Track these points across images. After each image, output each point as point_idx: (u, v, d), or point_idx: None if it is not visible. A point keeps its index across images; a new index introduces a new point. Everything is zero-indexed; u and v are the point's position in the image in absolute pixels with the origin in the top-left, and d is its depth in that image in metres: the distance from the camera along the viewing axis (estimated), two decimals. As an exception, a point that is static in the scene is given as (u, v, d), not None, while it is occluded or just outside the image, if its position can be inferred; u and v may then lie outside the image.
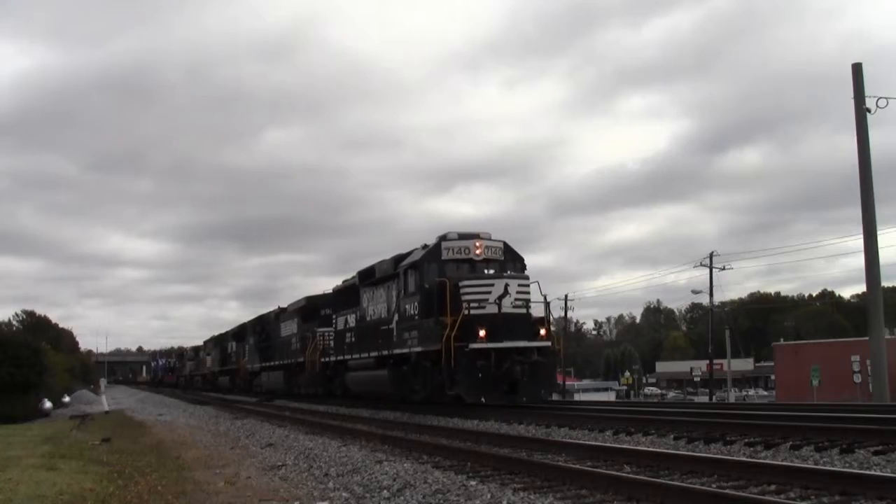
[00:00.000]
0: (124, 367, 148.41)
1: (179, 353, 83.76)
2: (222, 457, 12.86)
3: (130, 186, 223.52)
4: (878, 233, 24.32)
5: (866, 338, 26.95)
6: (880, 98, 24.46)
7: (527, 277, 19.22)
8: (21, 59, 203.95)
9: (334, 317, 27.78)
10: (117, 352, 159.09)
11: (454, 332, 17.41)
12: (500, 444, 12.29)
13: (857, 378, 46.88)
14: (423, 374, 19.60)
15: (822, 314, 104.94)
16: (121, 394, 61.64)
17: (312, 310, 32.00)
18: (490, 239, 20.12)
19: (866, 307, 26.68)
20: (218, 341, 56.51)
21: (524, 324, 18.42)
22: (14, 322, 57.12)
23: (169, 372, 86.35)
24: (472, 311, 17.85)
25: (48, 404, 31.69)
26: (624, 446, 10.91)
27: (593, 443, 11.74)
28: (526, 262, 20.82)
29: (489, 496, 7.63)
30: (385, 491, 8.31)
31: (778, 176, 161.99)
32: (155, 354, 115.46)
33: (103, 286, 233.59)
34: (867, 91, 24.59)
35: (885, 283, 32.52)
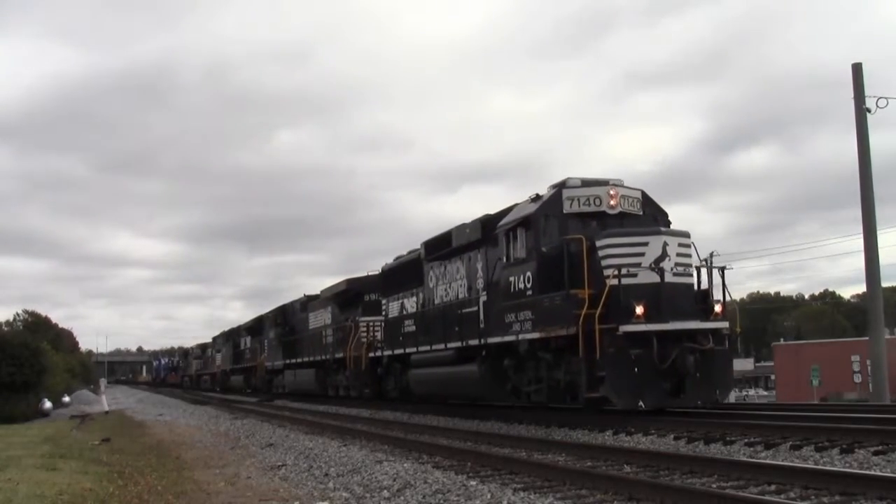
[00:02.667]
0: (124, 367, 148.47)
1: (184, 352, 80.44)
2: (222, 457, 12.87)
3: (140, 187, 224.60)
4: (878, 233, 24.32)
5: (866, 338, 26.95)
6: (880, 98, 24.45)
7: (687, 234, 14.35)
8: (36, 61, 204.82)
9: (385, 302, 23.01)
10: (117, 352, 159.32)
11: (600, 311, 12.87)
12: (500, 444, 12.30)
13: (858, 378, 46.91)
14: (537, 369, 14.97)
15: (823, 314, 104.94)
16: (121, 394, 61.63)
17: (354, 295, 26.95)
18: (625, 186, 15.23)
19: (866, 307, 26.67)
20: (229, 337, 51.74)
21: (690, 298, 13.96)
22: (17, 322, 57.12)
23: (172, 371, 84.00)
24: (624, 281, 13.16)
25: (48, 404, 31.67)
26: (624, 446, 10.92)
27: (593, 443, 11.75)
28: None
29: (489, 496, 7.64)
30: (385, 491, 8.31)
31: (783, 177, 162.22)
32: (156, 354, 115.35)
33: (108, 286, 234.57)
34: (875, 92, 24.59)
35: (885, 283, 32.50)
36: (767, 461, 8.90)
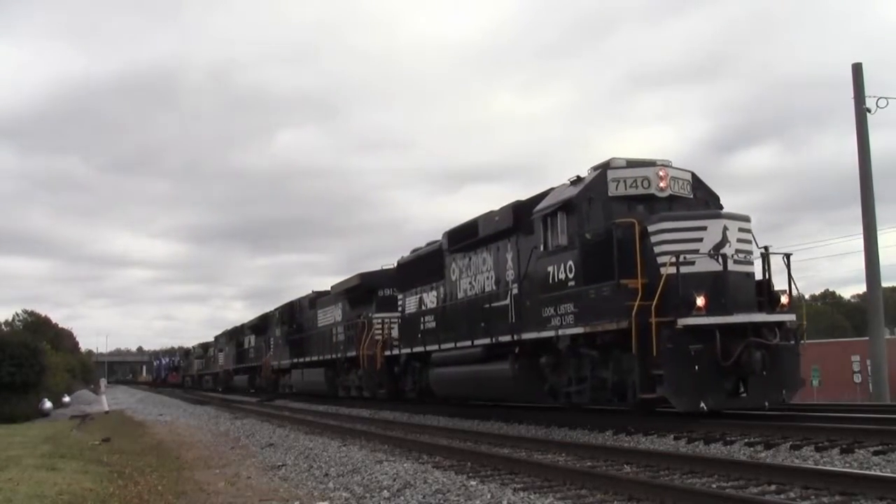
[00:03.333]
0: (124, 367, 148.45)
1: (185, 352, 79.22)
2: (222, 457, 12.86)
3: (143, 188, 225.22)
4: (878, 233, 24.31)
5: (866, 338, 26.94)
6: (880, 98, 24.44)
7: (748, 218, 13.12)
8: (39, 62, 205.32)
9: (401, 297, 21.93)
10: (117, 352, 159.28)
11: (656, 302, 11.72)
12: (500, 444, 12.30)
13: (858, 378, 46.90)
14: (579, 368, 13.78)
15: (823, 314, 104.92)
16: (121, 394, 61.63)
17: (367, 291, 25.70)
18: (675, 167, 14.03)
19: (866, 307, 26.67)
20: (232, 336, 50.29)
21: (751, 288, 12.85)
22: (17, 322, 57.12)
23: (173, 371, 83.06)
24: (681, 269, 11.97)
25: (48, 404, 31.65)
26: (624, 446, 10.92)
27: (593, 443, 11.75)
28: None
29: (489, 496, 7.64)
30: (385, 491, 8.31)
31: (784, 177, 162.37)
32: (157, 354, 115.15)
33: (109, 286, 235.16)
34: (878, 93, 24.59)
35: (885, 283, 32.49)
36: (767, 461, 8.91)
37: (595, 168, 14.06)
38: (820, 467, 8.17)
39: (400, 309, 21.94)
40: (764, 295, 12.90)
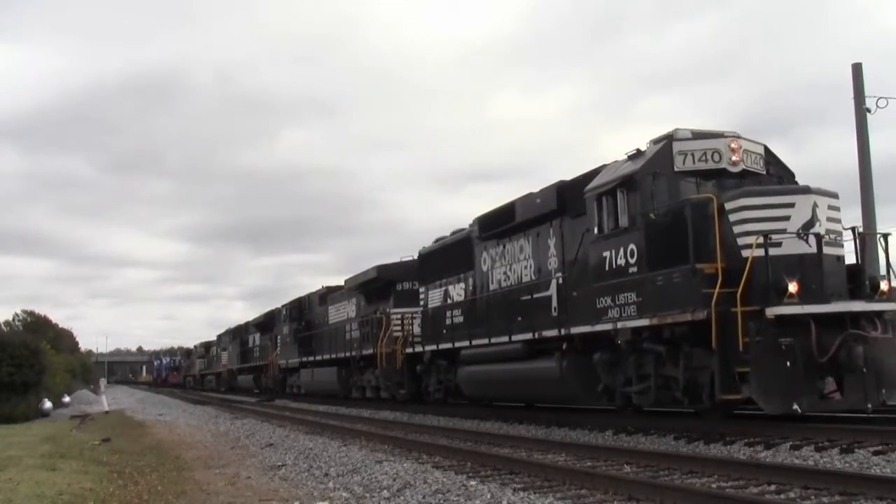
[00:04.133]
0: (124, 367, 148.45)
1: (186, 351, 77.98)
2: (222, 457, 12.86)
3: (146, 188, 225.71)
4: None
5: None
6: (880, 98, 24.45)
7: (836, 195, 11.71)
8: (43, 62, 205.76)
9: (423, 290, 20.51)
10: (117, 352, 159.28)
11: (741, 289, 10.27)
12: (500, 444, 12.30)
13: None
14: (641, 365, 12.32)
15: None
16: (121, 394, 61.63)
17: (384, 284, 24.17)
18: (746, 139, 12.54)
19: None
20: (236, 334, 48.80)
21: (842, 273, 11.34)
22: (16, 322, 57.11)
23: (174, 371, 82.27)
24: (771, 252, 10.47)
25: (48, 404, 31.66)
26: (624, 446, 10.93)
27: (593, 443, 11.75)
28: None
29: (489, 496, 7.63)
30: (385, 491, 8.31)
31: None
32: (157, 353, 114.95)
33: (111, 286, 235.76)
34: (881, 93, 24.58)
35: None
36: (767, 461, 8.91)
37: (656, 141, 12.54)
38: (820, 467, 8.17)
39: (422, 303, 20.56)
40: (856, 281, 11.34)
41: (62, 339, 62.64)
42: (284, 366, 35.29)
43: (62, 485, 9.12)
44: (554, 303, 14.42)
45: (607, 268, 12.67)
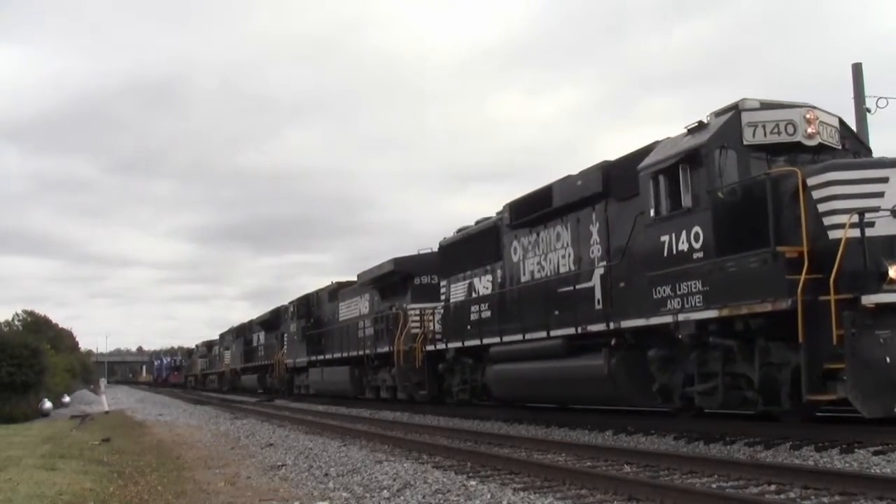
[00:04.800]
0: (124, 367, 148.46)
1: (188, 351, 77.08)
2: (222, 457, 12.86)
3: (149, 188, 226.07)
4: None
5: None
6: (880, 98, 24.45)
7: None
8: (46, 63, 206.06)
9: (444, 284, 19.48)
10: (117, 352, 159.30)
11: (834, 275, 9.15)
12: (500, 444, 12.30)
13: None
14: (705, 362, 11.10)
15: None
16: (121, 394, 61.63)
17: (401, 279, 22.92)
18: (821, 110, 11.45)
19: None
20: (239, 333, 47.74)
21: None
22: (16, 322, 57.11)
23: (175, 371, 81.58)
24: (867, 232, 9.32)
25: (48, 404, 31.66)
26: (624, 446, 10.93)
27: (593, 443, 11.76)
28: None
29: (489, 496, 7.63)
30: (385, 491, 8.31)
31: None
32: (158, 353, 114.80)
33: (112, 287, 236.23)
34: (881, 93, 24.58)
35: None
36: (767, 461, 8.91)
37: (719, 113, 11.40)
38: (820, 467, 8.17)
39: (443, 297, 19.47)
40: None
41: (62, 339, 62.64)
42: (292, 365, 34.26)
43: (62, 485, 9.11)
44: (597, 294, 13.32)
45: (666, 254, 11.45)
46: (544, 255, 15.23)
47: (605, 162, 13.55)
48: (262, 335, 41.87)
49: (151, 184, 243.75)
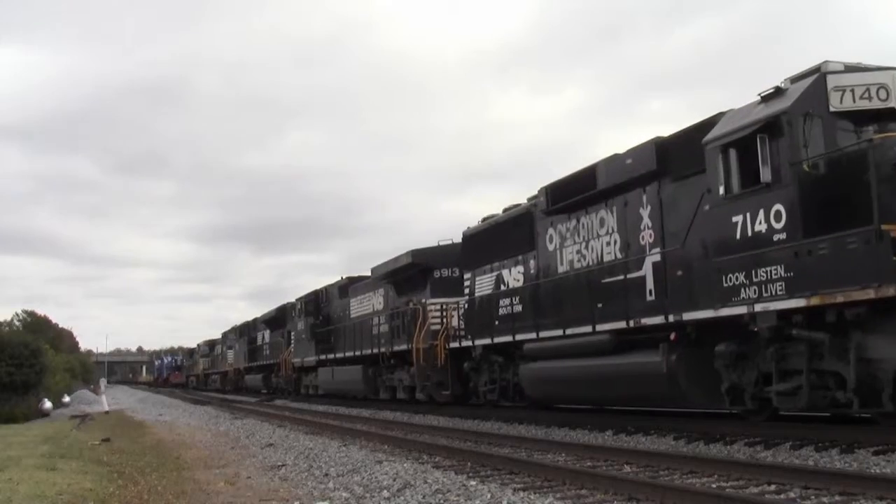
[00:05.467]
0: (124, 367, 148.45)
1: (189, 351, 75.93)
2: (222, 457, 12.86)
3: (151, 189, 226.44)
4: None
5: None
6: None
7: None
8: (49, 63, 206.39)
9: (468, 277, 18.32)
10: (117, 352, 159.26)
11: None
12: (500, 444, 12.30)
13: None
14: (786, 357, 9.99)
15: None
16: (121, 394, 61.64)
17: (419, 272, 21.52)
18: None
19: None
20: (243, 331, 46.78)
21: None
22: (16, 322, 57.15)
23: (176, 371, 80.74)
24: None
25: (48, 404, 31.70)
26: (624, 446, 10.93)
27: (593, 443, 11.75)
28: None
29: (489, 496, 7.63)
30: (385, 491, 8.31)
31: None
32: (158, 353, 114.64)
33: (113, 287, 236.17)
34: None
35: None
36: (767, 461, 8.91)
37: (797, 78, 10.28)
38: (820, 467, 8.17)
39: (467, 291, 18.29)
40: None
41: (62, 339, 62.71)
42: (299, 364, 32.82)
43: (62, 485, 9.11)
44: (649, 284, 12.21)
45: (739, 236, 10.26)
46: (585, 243, 14.06)
47: (658, 138, 12.33)
48: (266, 333, 40.96)
49: (153, 184, 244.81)
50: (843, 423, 10.71)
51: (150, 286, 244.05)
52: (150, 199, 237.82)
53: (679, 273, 11.65)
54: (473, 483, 8.41)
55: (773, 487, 7.46)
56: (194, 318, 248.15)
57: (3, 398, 28.46)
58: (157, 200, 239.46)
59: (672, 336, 11.59)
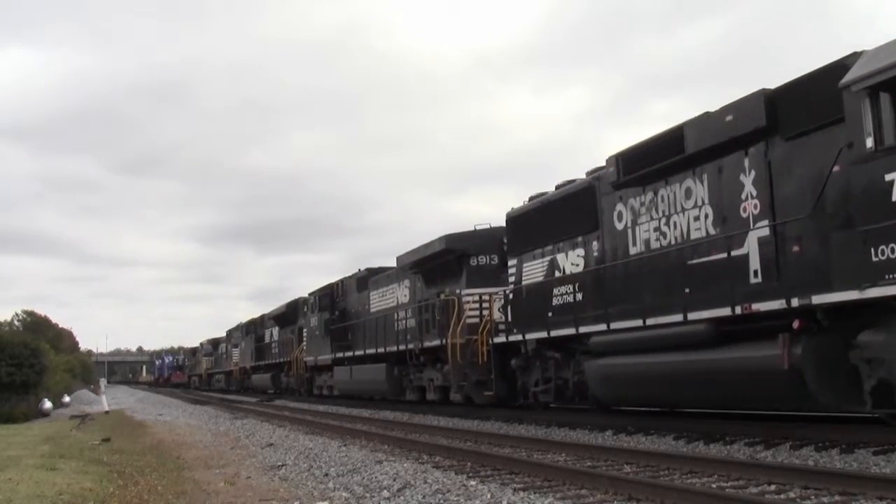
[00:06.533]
0: (124, 367, 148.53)
1: (191, 350, 74.21)
2: (222, 456, 12.86)
3: (154, 189, 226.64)
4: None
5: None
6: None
7: None
8: (53, 63, 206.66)
9: (513, 263, 16.37)
10: (117, 352, 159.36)
11: None
12: (500, 444, 12.30)
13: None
14: None
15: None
16: (121, 394, 61.66)
17: (454, 260, 19.33)
18: None
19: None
20: (249, 328, 44.69)
21: None
22: (16, 322, 57.19)
23: (177, 370, 79.60)
24: None
25: (48, 404, 31.72)
26: (624, 446, 10.92)
27: (593, 443, 11.75)
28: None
29: (489, 496, 7.63)
30: (385, 491, 8.31)
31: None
32: (159, 353, 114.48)
33: (115, 287, 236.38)
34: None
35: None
36: (767, 461, 8.91)
37: None
38: (820, 467, 8.17)
39: (512, 279, 16.41)
40: None
41: (62, 339, 62.71)
42: (313, 363, 30.72)
43: (62, 485, 9.11)
44: (754, 264, 10.44)
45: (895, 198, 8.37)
46: (666, 219, 12.15)
47: (765, 90, 10.45)
48: (275, 331, 38.99)
49: (157, 184, 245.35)
50: (844, 423, 10.72)
51: (152, 286, 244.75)
52: (154, 199, 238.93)
53: (795, 249, 9.89)
54: (473, 483, 8.41)
55: (773, 487, 7.46)
56: (195, 319, 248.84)
57: (3, 398, 28.49)
58: (161, 200, 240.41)
59: (795, 324, 9.50)
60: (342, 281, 29.00)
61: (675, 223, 12.03)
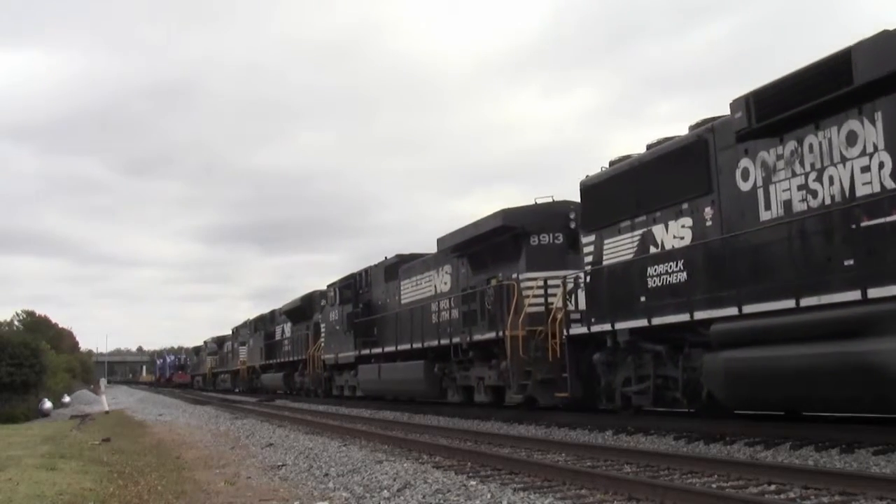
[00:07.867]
0: (124, 367, 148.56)
1: (195, 349, 71.48)
2: (222, 457, 12.86)
3: (159, 189, 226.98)
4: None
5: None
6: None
7: None
8: (60, 64, 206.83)
9: (590, 241, 13.97)
10: (117, 352, 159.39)
11: None
12: (500, 444, 12.30)
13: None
14: None
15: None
16: (121, 394, 61.66)
17: (509, 240, 16.79)
18: None
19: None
20: (258, 325, 42.21)
21: None
22: (15, 322, 57.21)
23: (179, 370, 77.85)
24: None
25: (48, 404, 31.73)
26: (624, 446, 10.92)
27: (593, 443, 11.75)
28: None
29: (489, 496, 7.63)
30: (385, 491, 8.31)
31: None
32: (161, 352, 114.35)
33: (117, 287, 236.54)
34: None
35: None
36: (767, 461, 8.91)
37: None
38: (820, 467, 8.17)
39: (589, 259, 13.98)
40: None
41: (62, 339, 62.70)
42: (332, 361, 27.98)
43: (62, 485, 9.11)
44: None
45: None
46: (818, 173, 9.68)
47: None
48: (287, 327, 36.23)
49: (162, 184, 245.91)
50: (844, 423, 10.72)
51: (155, 286, 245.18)
52: (158, 199, 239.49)
53: None
54: (473, 483, 8.41)
55: (773, 487, 7.46)
56: (197, 319, 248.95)
57: (3, 398, 28.51)
58: (165, 201, 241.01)
59: None
60: (366, 270, 26.00)
61: (831, 177, 9.52)
